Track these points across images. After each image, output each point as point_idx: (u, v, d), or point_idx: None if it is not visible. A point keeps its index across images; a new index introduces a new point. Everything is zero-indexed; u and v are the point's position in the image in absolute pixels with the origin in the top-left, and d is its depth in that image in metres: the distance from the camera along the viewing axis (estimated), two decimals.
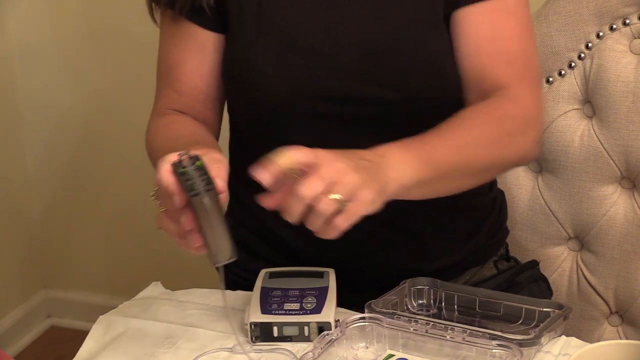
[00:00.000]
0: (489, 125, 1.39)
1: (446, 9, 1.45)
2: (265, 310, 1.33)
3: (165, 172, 1.20)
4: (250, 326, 1.32)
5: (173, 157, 1.21)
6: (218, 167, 1.21)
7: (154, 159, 1.44)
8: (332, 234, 1.21)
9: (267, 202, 1.23)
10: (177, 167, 1.20)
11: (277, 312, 1.32)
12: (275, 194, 1.22)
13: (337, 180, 1.19)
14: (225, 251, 1.20)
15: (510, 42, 1.46)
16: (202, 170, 1.19)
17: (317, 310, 1.32)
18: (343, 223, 1.20)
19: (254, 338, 1.32)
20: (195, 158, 1.21)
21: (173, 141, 1.42)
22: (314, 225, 1.20)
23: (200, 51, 1.50)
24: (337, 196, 1.19)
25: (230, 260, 1.21)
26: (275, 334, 1.32)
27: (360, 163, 1.23)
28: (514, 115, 1.42)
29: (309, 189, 1.18)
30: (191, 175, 1.19)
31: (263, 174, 1.20)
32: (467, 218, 1.54)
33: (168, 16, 1.49)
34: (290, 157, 1.21)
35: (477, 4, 1.44)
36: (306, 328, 1.31)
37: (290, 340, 1.32)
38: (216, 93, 1.53)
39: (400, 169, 1.26)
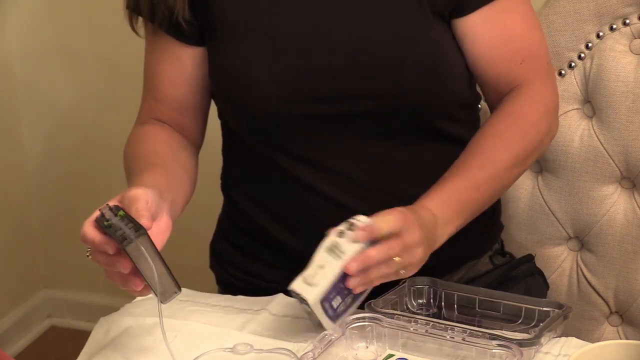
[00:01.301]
0: (515, 144, 1.47)
1: (448, 14, 1.46)
2: (325, 299, 1.27)
3: (88, 227, 1.26)
4: (300, 295, 1.27)
5: (96, 214, 1.26)
6: (136, 209, 1.25)
7: (126, 174, 1.50)
8: (369, 284, 1.30)
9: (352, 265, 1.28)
10: (101, 221, 1.24)
11: (328, 304, 1.28)
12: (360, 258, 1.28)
13: (410, 250, 1.30)
14: (169, 287, 1.24)
15: (519, 40, 1.49)
16: (127, 218, 1.23)
17: (334, 318, 1.30)
18: (384, 279, 1.30)
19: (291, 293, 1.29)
20: (117, 208, 1.25)
21: (134, 160, 1.48)
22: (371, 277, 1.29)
23: (177, 63, 1.52)
24: (398, 259, 1.28)
25: (177, 295, 1.24)
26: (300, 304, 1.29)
27: (428, 231, 1.34)
28: (537, 118, 1.49)
29: (390, 250, 1.28)
30: (118, 226, 1.23)
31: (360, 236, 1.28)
32: None
33: (149, 28, 1.51)
34: (389, 221, 1.29)
35: (482, 11, 1.46)
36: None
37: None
38: (194, 103, 1.55)
39: (446, 228, 1.39)
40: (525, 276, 1.58)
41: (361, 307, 1.34)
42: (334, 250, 1.29)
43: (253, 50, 1.44)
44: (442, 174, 1.45)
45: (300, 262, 1.52)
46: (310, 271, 1.28)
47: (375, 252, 1.27)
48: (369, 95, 1.44)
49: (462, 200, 1.41)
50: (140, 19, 1.51)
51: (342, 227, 1.29)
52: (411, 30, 1.44)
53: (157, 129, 1.54)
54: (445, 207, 1.39)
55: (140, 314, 1.42)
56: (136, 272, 1.23)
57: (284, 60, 1.44)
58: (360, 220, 1.28)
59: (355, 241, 1.28)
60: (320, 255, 1.28)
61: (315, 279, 1.27)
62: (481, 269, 1.58)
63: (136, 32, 1.52)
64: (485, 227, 1.59)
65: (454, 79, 1.49)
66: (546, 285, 1.62)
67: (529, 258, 1.61)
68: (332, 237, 1.29)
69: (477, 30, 1.47)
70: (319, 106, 1.44)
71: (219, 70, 1.49)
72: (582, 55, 1.65)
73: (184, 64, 1.52)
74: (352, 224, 1.28)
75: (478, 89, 1.57)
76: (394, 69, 1.43)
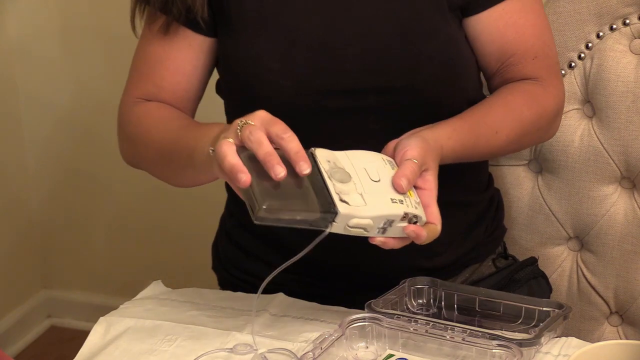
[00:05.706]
0: (524, 124, 1.47)
1: (462, 12, 1.46)
2: None
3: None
4: None
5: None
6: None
7: (146, 139, 1.49)
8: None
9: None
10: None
11: None
12: None
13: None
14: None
15: (533, 38, 1.50)
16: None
17: None
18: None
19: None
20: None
21: (177, 120, 1.45)
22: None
23: (188, 51, 1.50)
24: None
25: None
26: None
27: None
28: (550, 110, 1.50)
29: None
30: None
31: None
32: (465, 214, 1.55)
33: (160, 19, 1.49)
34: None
35: (495, 9, 1.47)
36: None
37: None
38: (195, 93, 1.54)
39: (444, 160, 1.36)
40: (528, 279, 1.58)
41: (361, 307, 1.34)
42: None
43: (267, 41, 1.44)
44: (447, 170, 1.45)
45: (302, 262, 1.52)
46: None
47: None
48: (381, 90, 1.43)
49: (466, 156, 1.42)
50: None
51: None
52: (427, 25, 1.44)
53: (168, 106, 1.52)
54: (454, 156, 1.39)
55: (140, 314, 1.42)
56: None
57: (298, 52, 1.43)
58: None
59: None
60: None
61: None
62: (484, 272, 1.58)
63: (135, 31, 1.51)
64: (488, 229, 1.59)
65: (466, 76, 1.49)
66: (549, 288, 1.62)
67: (532, 261, 1.61)
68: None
69: (490, 29, 1.47)
70: (331, 100, 1.44)
71: (232, 61, 1.48)
72: (582, 55, 1.65)
73: (195, 52, 1.50)
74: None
75: (485, 91, 1.57)
76: (408, 64, 1.42)
